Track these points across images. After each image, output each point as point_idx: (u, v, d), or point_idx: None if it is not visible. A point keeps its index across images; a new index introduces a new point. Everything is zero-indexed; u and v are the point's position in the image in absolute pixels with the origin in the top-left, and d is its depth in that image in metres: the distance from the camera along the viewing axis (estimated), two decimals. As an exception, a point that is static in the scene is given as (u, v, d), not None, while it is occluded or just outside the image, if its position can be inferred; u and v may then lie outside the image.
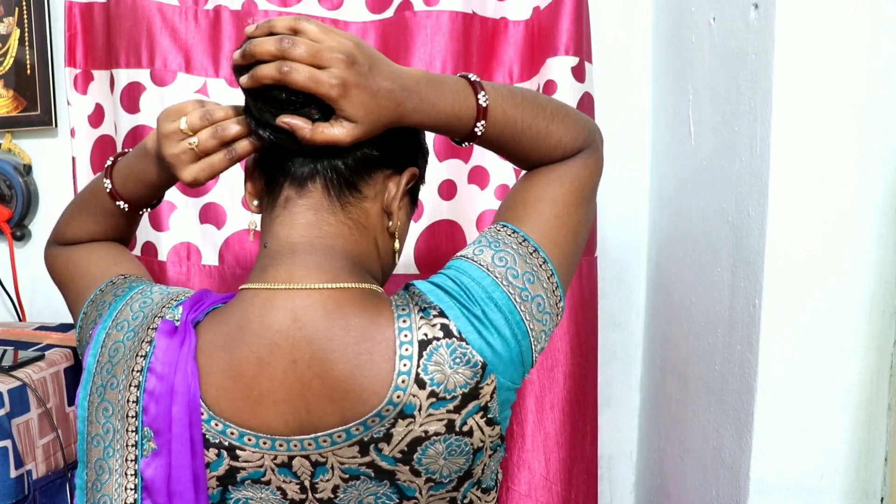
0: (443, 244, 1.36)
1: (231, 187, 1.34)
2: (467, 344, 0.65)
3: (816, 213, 0.96)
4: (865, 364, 0.98)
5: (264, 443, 0.66)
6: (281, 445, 0.66)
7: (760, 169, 0.98)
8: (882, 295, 0.97)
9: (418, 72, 0.67)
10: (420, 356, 0.64)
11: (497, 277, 0.68)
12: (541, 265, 0.70)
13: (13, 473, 1.06)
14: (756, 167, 1.00)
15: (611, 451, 1.57)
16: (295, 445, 0.66)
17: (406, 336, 0.65)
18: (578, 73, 1.31)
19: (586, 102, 1.33)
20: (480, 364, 0.65)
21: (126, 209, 0.79)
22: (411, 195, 0.77)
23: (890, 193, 0.95)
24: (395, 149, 0.71)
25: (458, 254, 0.71)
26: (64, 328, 1.34)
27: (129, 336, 0.70)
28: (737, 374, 1.06)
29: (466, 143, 0.73)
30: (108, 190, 0.79)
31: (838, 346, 0.98)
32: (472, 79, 0.70)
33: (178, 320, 0.69)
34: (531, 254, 0.70)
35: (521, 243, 0.70)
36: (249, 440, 0.66)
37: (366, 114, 0.62)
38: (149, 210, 0.83)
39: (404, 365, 0.64)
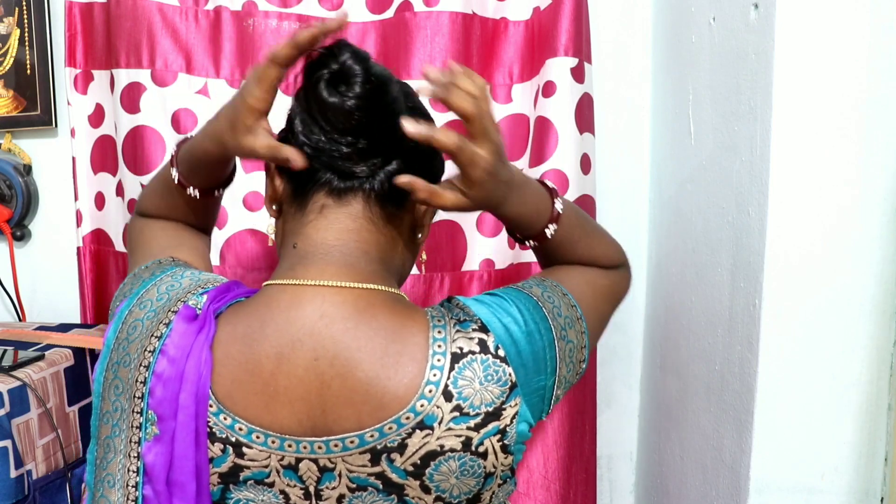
0: (443, 244, 1.36)
1: (232, 187, 1.34)
2: (501, 361, 0.64)
3: (816, 213, 0.96)
4: (865, 364, 0.98)
5: (272, 442, 0.65)
6: (290, 446, 0.65)
7: (760, 169, 0.98)
8: (882, 295, 0.97)
9: (516, 169, 0.72)
10: (451, 368, 0.63)
11: (546, 310, 0.70)
12: (577, 318, 0.73)
13: (13, 473, 1.06)
14: (756, 167, 1.00)
15: (611, 451, 1.57)
16: (304, 447, 0.65)
17: (440, 347, 0.64)
18: (578, 74, 1.31)
19: (585, 103, 1.34)
20: (511, 383, 0.64)
21: (197, 195, 0.80)
22: None
23: (890, 193, 0.95)
24: (431, 166, 0.73)
25: (507, 286, 0.74)
26: (64, 328, 1.34)
27: (149, 315, 0.69)
28: (737, 374, 1.06)
29: (531, 243, 0.78)
30: (176, 180, 0.79)
31: (838, 346, 0.98)
32: (550, 186, 0.77)
33: (200, 308, 0.68)
34: (571, 306, 0.73)
35: (563, 295, 0.73)
36: (258, 437, 0.65)
37: (480, 196, 0.66)
38: (221, 191, 0.83)
39: (434, 375, 0.63)
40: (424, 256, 0.76)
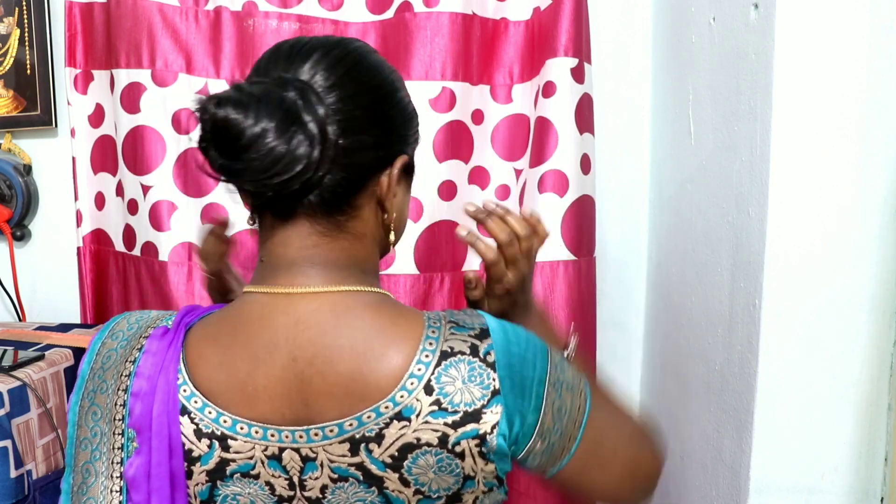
0: (443, 244, 1.36)
1: (232, 187, 1.34)
2: (489, 366, 0.64)
3: (816, 213, 0.96)
4: (865, 364, 0.98)
5: (256, 432, 0.65)
6: (272, 435, 0.65)
7: (760, 169, 0.98)
8: (882, 295, 0.97)
9: (540, 306, 0.83)
10: (438, 365, 0.63)
11: (550, 357, 0.67)
12: (581, 415, 0.68)
13: (13, 473, 1.06)
14: (756, 167, 1.00)
15: (611, 452, 1.57)
16: (286, 436, 0.65)
17: (431, 345, 0.64)
18: (578, 75, 1.31)
19: (585, 103, 1.34)
20: (493, 388, 0.63)
21: None
22: (406, 172, 0.73)
23: (890, 193, 0.95)
24: (381, 149, 0.68)
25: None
26: (64, 328, 1.34)
27: (122, 344, 0.71)
28: (737, 374, 1.06)
29: None
30: None
31: (838, 346, 0.98)
32: (571, 332, 0.84)
33: (170, 324, 0.70)
34: (582, 404, 0.69)
35: (579, 386, 0.69)
36: (242, 429, 0.66)
37: (496, 306, 0.78)
38: None
39: (419, 369, 0.63)
40: (393, 237, 0.72)
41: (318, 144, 0.62)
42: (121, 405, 0.69)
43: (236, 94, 0.60)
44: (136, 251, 1.39)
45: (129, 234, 1.40)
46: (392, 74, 0.70)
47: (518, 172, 1.37)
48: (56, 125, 1.49)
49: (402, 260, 1.34)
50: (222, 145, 0.61)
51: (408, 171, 0.73)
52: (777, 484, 1.02)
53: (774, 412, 1.00)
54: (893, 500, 0.99)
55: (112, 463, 0.69)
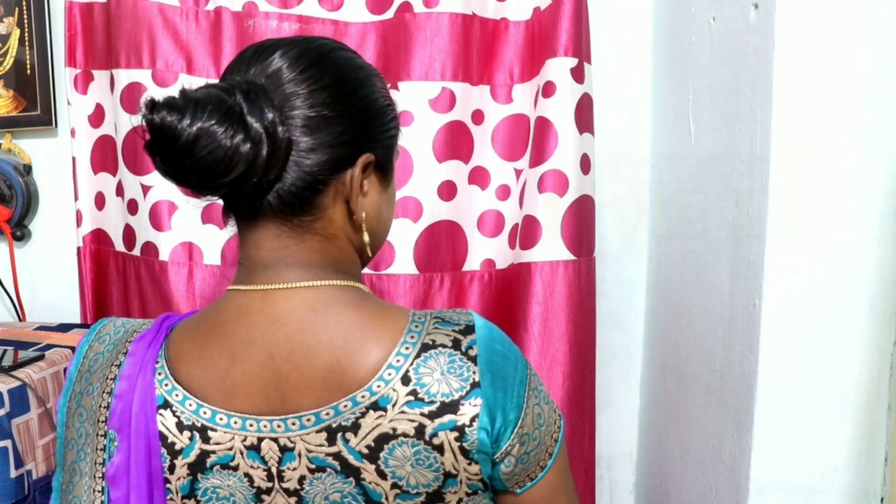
0: (443, 244, 1.36)
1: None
2: (469, 360, 0.64)
3: (816, 213, 0.96)
4: (865, 364, 0.98)
5: (235, 422, 0.66)
6: (251, 425, 0.66)
7: (760, 169, 0.98)
8: (882, 295, 0.97)
9: None
10: (417, 356, 0.64)
11: (530, 369, 0.68)
12: (556, 431, 0.70)
13: (13, 473, 1.06)
14: (756, 167, 1.00)
15: (611, 451, 1.57)
16: (265, 426, 0.65)
17: (412, 338, 0.65)
18: (577, 75, 1.31)
19: (585, 103, 1.34)
20: (473, 381, 0.63)
21: None
22: (379, 171, 0.71)
23: (890, 193, 0.95)
24: (343, 147, 0.66)
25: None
26: (64, 328, 1.34)
27: (108, 348, 0.72)
28: (737, 374, 1.06)
29: None
30: None
31: (838, 346, 0.98)
32: None
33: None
34: (557, 420, 0.71)
35: (551, 405, 0.71)
36: (221, 419, 0.66)
37: None
38: None
39: (397, 360, 0.64)
40: (368, 239, 0.70)
41: (265, 145, 0.61)
42: (104, 407, 0.70)
43: (173, 99, 0.60)
44: (136, 251, 1.39)
45: (129, 234, 1.40)
46: (357, 71, 0.68)
47: (518, 172, 1.37)
48: (56, 125, 1.49)
49: (402, 260, 1.34)
50: (161, 150, 0.61)
51: (382, 170, 0.71)
52: (777, 484, 1.02)
53: (774, 412, 1.00)
54: (893, 500, 0.99)
55: (95, 463, 0.70)
